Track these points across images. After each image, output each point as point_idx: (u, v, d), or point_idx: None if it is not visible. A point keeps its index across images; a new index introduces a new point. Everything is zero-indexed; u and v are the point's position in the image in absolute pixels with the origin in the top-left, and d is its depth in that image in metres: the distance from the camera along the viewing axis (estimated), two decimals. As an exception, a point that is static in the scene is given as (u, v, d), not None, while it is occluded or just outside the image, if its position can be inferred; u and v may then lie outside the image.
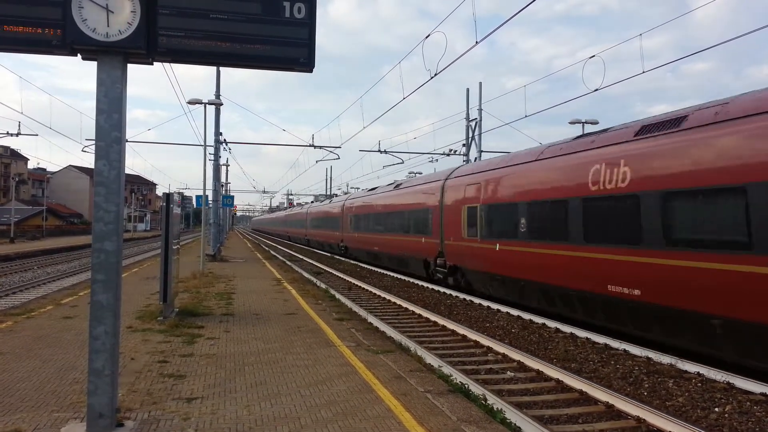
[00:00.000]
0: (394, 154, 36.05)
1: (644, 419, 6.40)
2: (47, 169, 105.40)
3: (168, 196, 10.70)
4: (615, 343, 10.07)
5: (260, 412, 5.54)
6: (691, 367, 8.47)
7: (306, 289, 16.42)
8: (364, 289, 19.21)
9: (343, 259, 34.77)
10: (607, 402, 6.99)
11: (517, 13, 10.92)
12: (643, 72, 14.81)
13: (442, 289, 18.23)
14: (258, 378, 6.79)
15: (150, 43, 4.71)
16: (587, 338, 10.71)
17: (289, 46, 4.95)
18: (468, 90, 31.46)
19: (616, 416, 6.72)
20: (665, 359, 8.89)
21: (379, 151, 34.91)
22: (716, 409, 6.91)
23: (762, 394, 7.29)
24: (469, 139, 30.85)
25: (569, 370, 8.54)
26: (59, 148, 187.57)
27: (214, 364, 7.45)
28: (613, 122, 15.47)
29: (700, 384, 7.86)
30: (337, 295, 16.30)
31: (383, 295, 17.18)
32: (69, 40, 4.56)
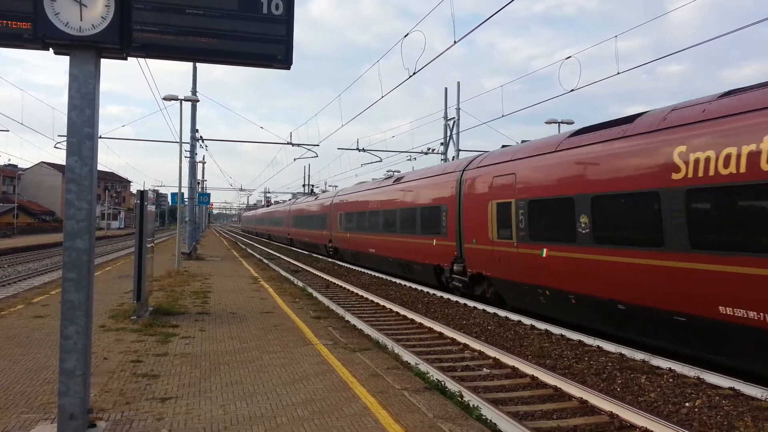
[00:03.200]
0: (372, 152, 36.05)
1: (617, 414, 6.51)
2: (18, 166, 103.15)
3: (142, 194, 10.55)
4: (589, 340, 10.22)
5: (235, 412, 5.50)
6: (663, 363, 8.63)
7: (283, 288, 16.35)
8: (341, 287, 19.18)
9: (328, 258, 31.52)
10: (581, 398, 7.09)
11: (495, 14, 10.99)
12: (618, 73, 15.03)
13: (419, 287, 18.29)
14: (233, 377, 6.74)
15: (124, 38, 4.63)
16: (561, 335, 10.84)
17: (266, 42, 4.91)
18: (446, 89, 31.61)
19: (590, 412, 6.82)
20: (638, 355, 9.05)
21: (357, 149, 34.87)
22: (687, 404, 7.06)
23: (730, 388, 7.46)
24: (447, 138, 31.00)
25: (544, 366, 8.64)
26: (31, 144, 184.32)
27: (189, 363, 7.38)
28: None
29: (671, 379, 8.01)
30: (315, 294, 16.26)
31: (361, 293, 17.19)
32: (40, 34, 4.46)
